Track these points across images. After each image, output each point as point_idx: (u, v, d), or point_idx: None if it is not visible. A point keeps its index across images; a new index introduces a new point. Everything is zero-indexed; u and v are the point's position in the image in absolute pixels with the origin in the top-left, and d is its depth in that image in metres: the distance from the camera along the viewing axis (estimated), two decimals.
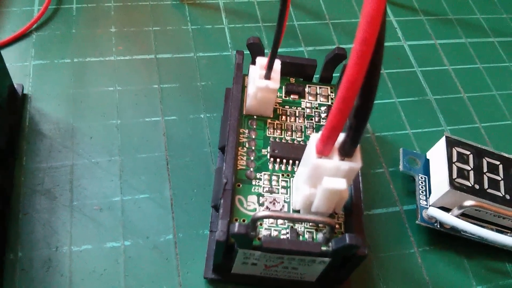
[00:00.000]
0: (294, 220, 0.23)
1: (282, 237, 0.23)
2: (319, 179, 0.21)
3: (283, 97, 0.29)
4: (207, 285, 0.26)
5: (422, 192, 0.29)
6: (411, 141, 0.33)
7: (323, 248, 0.22)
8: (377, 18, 0.16)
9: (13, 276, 0.25)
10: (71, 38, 0.34)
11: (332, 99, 0.29)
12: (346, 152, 0.21)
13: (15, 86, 0.30)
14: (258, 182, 0.25)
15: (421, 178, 0.29)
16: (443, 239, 0.29)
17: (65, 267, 0.25)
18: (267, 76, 0.26)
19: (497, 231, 0.28)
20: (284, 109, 0.28)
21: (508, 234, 0.28)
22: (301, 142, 0.27)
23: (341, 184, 0.21)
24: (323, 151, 0.21)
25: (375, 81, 0.18)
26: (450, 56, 0.38)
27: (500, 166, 0.29)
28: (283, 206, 0.25)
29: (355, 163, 0.21)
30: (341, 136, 0.21)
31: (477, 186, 0.27)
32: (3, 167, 0.27)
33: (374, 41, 0.17)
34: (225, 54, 0.35)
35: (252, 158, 0.26)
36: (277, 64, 0.26)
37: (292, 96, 0.29)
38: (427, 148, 0.31)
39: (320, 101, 0.29)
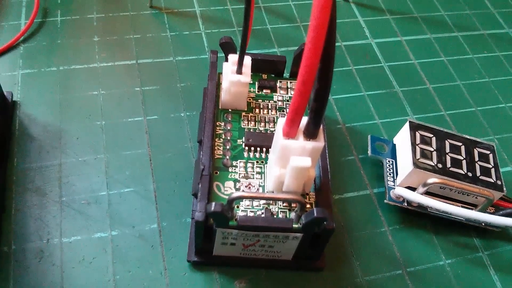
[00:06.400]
0: (267, 199, 0.25)
1: None
2: (287, 159, 0.23)
3: (256, 92, 0.31)
4: (191, 268, 0.27)
5: (390, 174, 0.31)
6: (380, 130, 0.34)
7: (295, 225, 0.24)
8: (327, 7, 0.18)
9: (8, 267, 0.26)
10: (57, 48, 0.36)
11: None
12: (310, 133, 0.23)
13: (5, 94, 0.32)
14: (235, 169, 0.27)
15: (389, 161, 0.31)
16: (412, 217, 0.30)
17: (56, 257, 0.27)
18: (239, 71, 0.28)
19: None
20: (257, 102, 0.30)
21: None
22: (274, 132, 0.29)
23: (307, 162, 0.23)
24: (289, 133, 0.23)
25: (330, 65, 0.20)
26: (415, 51, 0.40)
27: (463, 147, 0.31)
28: (258, 189, 0.26)
29: (319, 143, 0.23)
30: (305, 119, 0.23)
31: (439, 165, 0.29)
32: None
33: (326, 27, 0.19)
34: (203, 57, 0.37)
35: (228, 147, 0.28)
36: (248, 59, 0.28)
37: (264, 91, 0.31)
38: (395, 135, 0.33)
39: (290, 94, 0.31)
